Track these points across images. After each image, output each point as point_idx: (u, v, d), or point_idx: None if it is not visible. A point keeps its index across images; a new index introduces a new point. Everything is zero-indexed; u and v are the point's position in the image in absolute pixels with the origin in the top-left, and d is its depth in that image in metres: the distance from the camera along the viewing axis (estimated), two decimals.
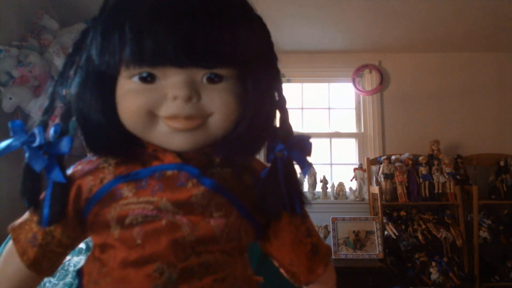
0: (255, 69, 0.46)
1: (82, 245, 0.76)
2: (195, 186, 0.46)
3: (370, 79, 3.10)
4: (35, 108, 2.04)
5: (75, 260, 0.73)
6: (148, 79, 0.43)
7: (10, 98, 1.98)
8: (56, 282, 0.71)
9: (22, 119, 2.00)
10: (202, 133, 0.45)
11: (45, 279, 0.72)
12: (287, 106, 0.50)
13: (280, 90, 0.50)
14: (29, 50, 2.08)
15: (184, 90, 0.42)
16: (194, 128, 0.44)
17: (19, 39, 2.17)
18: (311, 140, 0.49)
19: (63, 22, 2.35)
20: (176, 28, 0.41)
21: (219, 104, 0.44)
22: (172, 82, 0.43)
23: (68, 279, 0.71)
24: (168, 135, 0.44)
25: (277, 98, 0.49)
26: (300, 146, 0.48)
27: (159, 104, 0.43)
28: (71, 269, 0.72)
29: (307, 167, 0.48)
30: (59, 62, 2.05)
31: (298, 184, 0.49)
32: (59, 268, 0.73)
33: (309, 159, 0.48)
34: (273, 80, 0.49)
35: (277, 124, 0.50)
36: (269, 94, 0.48)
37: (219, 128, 0.45)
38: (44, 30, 2.25)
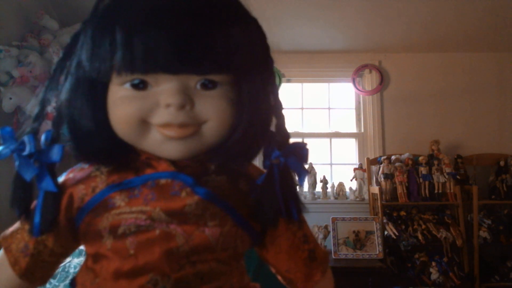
0: (250, 74, 0.44)
1: (82, 247, 0.76)
2: (189, 196, 0.45)
3: (370, 79, 3.10)
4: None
5: (75, 262, 0.73)
6: (140, 86, 0.41)
7: (10, 98, 1.98)
8: (57, 284, 0.71)
9: (22, 119, 2.00)
10: (196, 141, 0.43)
11: None
12: (283, 110, 0.49)
13: (276, 95, 0.48)
14: (29, 50, 2.08)
15: (177, 98, 0.41)
16: (187, 136, 0.42)
17: (19, 39, 2.17)
18: (308, 146, 0.48)
19: (63, 22, 2.35)
20: (168, 33, 0.39)
21: (213, 111, 0.43)
22: (165, 89, 0.41)
23: (69, 280, 0.71)
24: (161, 143, 0.43)
25: (272, 102, 0.48)
26: (297, 153, 0.46)
27: (152, 111, 0.42)
28: (72, 270, 0.72)
29: (303, 174, 0.47)
30: None
31: (295, 190, 0.48)
32: (60, 270, 0.73)
33: (305, 166, 0.47)
34: (269, 84, 0.47)
35: (273, 129, 0.48)
36: (264, 99, 0.47)
37: (213, 136, 0.44)
38: (44, 30, 2.25)
